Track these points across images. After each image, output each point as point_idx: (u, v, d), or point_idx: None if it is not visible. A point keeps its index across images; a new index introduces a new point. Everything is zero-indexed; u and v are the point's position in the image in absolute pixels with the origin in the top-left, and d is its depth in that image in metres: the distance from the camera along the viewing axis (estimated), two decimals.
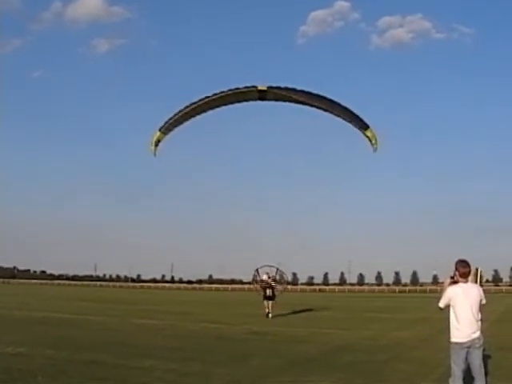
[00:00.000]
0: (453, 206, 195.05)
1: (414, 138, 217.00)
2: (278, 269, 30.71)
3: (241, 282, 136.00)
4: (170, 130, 19.21)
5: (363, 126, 18.45)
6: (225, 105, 19.03)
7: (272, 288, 28.88)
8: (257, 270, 30.52)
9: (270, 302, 28.39)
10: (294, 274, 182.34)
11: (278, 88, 18.29)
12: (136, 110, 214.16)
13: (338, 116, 18.56)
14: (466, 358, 7.67)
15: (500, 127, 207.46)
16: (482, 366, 7.73)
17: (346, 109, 18.46)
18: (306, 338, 17.53)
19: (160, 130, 19.11)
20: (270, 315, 27.64)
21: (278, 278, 30.27)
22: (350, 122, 18.65)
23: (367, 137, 18.74)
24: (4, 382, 9.46)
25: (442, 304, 8.01)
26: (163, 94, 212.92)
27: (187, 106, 18.73)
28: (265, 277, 29.34)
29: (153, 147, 19.25)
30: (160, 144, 19.49)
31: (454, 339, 7.76)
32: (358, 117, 18.48)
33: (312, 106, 18.72)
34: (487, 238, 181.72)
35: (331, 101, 18.44)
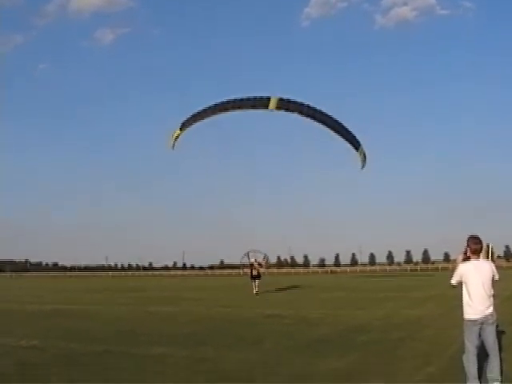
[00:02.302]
0: (463, 183, 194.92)
1: (420, 117, 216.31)
2: (264, 254, 38.60)
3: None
4: (187, 127, 20.98)
5: (355, 146, 20.56)
6: (238, 109, 20.42)
7: (257, 269, 34.98)
8: (247, 253, 37.25)
9: (257, 282, 34.04)
10: (306, 257, 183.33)
11: (288, 101, 20.02)
12: (140, 101, 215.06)
13: (336, 133, 20.34)
14: (480, 335, 7.65)
15: (508, 103, 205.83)
16: (496, 342, 7.71)
17: (344, 128, 20.36)
18: (319, 319, 17.53)
19: (181, 129, 21.13)
20: (256, 291, 33.10)
21: (264, 261, 38.15)
22: (346, 140, 20.50)
23: (360, 155, 20.92)
24: (19, 375, 9.52)
25: (453, 281, 7.96)
26: (167, 83, 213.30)
27: (204, 109, 20.63)
28: (252, 260, 35.83)
29: (172, 142, 21.30)
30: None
31: (466, 316, 7.73)
32: (353, 137, 20.50)
33: (316, 120, 20.29)
34: (498, 214, 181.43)
35: (334, 120, 20.29)
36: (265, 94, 19.91)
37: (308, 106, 20.06)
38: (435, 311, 19.14)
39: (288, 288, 41.94)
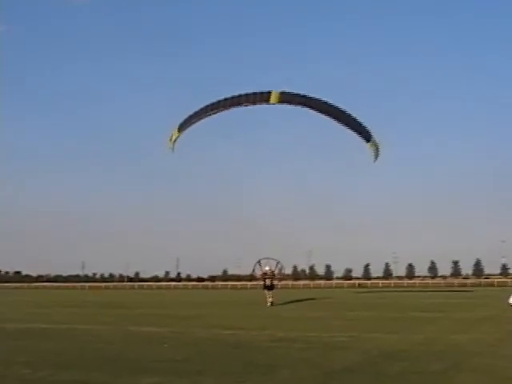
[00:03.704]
0: None
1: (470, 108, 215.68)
2: (278, 262, 41.90)
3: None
4: (186, 128, 22.34)
5: (366, 138, 22.26)
6: (238, 106, 21.73)
7: (271, 279, 39.67)
8: (259, 261, 40.83)
9: (270, 292, 38.66)
10: (328, 267, 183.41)
11: (290, 94, 22.15)
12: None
13: (345, 125, 22.14)
14: None
15: None
16: None
17: (352, 119, 22.10)
18: (345, 343, 17.53)
19: (179, 130, 23.16)
20: (269, 303, 37.77)
21: (277, 270, 41.71)
22: (355, 131, 22.21)
23: (372, 147, 22.62)
24: None
25: None
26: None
27: (203, 108, 22.73)
28: (266, 268, 40.04)
29: (171, 145, 23.64)
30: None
31: None
32: (363, 129, 22.11)
33: (322, 112, 22.20)
34: None
35: (341, 111, 22.08)
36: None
37: (311, 98, 21.43)
38: (488, 337, 19.05)
39: (306, 305, 41.98)
